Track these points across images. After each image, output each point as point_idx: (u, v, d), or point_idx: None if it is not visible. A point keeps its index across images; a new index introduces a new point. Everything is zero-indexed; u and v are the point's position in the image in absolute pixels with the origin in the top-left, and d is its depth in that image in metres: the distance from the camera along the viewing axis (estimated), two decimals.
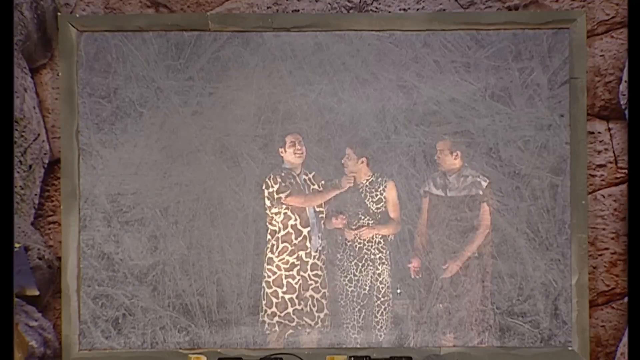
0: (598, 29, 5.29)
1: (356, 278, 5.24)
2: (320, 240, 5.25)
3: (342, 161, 5.23)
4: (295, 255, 5.24)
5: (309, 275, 5.24)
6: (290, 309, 5.23)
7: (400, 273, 5.24)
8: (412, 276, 5.22)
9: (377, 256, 5.25)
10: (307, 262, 5.24)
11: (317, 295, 5.24)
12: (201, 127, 5.23)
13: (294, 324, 5.23)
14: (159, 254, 5.23)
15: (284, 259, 5.24)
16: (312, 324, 5.23)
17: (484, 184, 5.20)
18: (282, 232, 5.22)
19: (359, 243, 5.25)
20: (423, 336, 5.22)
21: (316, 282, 5.25)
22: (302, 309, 5.23)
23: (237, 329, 5.22)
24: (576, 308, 5.18)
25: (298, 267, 5.24)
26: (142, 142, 5.23)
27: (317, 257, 5.24)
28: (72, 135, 5.21)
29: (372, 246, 5.25)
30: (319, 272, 5.25)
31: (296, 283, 5.23)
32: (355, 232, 5.24)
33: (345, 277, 5.24)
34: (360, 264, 5.25)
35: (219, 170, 5.23)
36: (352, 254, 5.25)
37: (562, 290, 5.19)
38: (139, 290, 5.22)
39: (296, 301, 5.23)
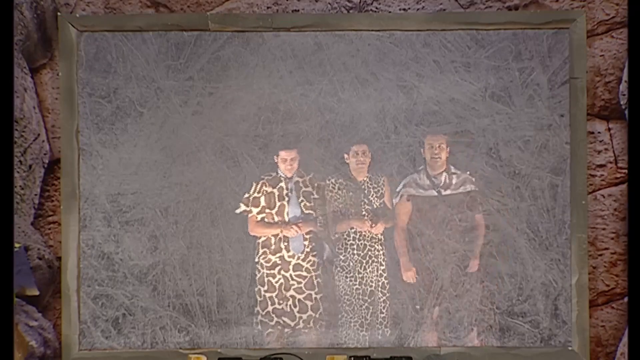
0: (598, 29, 5.29)
1: (352, 277, 5.23)
2: (306, 242, 5.23)
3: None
4: (277, 255, 5.23)
5: (290, 275, 5.23)
6: (270, 308, 5.22)
7: (398, 273, 5.23)
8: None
9: (376, 255, 5.24)
10: (290, 262, 5.22)
11: (299, 296, 5.22)
12: (201, 127, 5.23)
13: (272, 322, 5.22)
14: (159, 254, 5.23)
15: (266, 257, 5.23)
16: (293, 324, 5.21)
17: (472, 178, 5.19)
18: (263, 238, 5.23)
19: (359, 241, 5.24)
20: (423, 336, 5.22)
21: (299, 282, 5.23)
22: (282, 309, 5.22)
23: (237, 329, 5.22)
24: (576, 308, 5.18)
25: (280, 266, 5.23)
26: (142, 142, 5.23)
27: (302, 258, 5.22)
28: (72, 135, 5.21)
29: (371, 245, 5.24)
30: (304, 273, 5.23)
31: (277, 282, 5.22)
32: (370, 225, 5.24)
33: (344, 276, 5.24)
34: (359, 264, 5.24)
35: (219, 170, 5.23)
36: (351, 252, 5.25)
37: (562, 290, 5.19)
38: (139, 290, 5.22)
39: (276, 300, 5.22)
